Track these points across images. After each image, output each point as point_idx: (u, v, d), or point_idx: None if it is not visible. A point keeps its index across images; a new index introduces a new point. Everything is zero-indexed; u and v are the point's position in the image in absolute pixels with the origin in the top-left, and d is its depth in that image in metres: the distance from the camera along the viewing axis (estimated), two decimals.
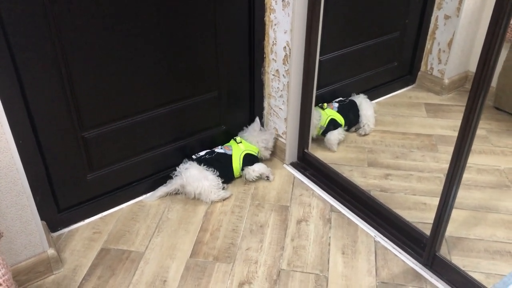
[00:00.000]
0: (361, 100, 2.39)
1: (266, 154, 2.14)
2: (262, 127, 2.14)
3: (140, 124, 1.84)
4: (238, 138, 2.09)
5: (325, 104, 2.31)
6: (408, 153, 2.22)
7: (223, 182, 1.97)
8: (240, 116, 2.15)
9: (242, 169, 2.05)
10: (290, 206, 1.92)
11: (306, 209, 1.91)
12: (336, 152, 2.24)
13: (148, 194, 1.97)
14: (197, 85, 1.94)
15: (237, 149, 2.05)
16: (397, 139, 2.33)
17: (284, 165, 2.15)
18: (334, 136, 2.24)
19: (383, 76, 2.65)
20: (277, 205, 1.93)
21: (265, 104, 2.16)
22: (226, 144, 2.09)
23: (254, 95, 2.14)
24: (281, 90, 2.02)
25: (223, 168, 1.99)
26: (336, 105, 2.34)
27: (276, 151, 2.18)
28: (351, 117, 2.34)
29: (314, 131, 2.20)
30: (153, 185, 1.97)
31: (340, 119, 2.29)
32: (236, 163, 2.03)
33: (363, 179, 2.06)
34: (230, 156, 2.03)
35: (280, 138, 2.14)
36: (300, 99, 2.01)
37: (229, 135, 2.13)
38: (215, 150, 2.04)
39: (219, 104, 2.05)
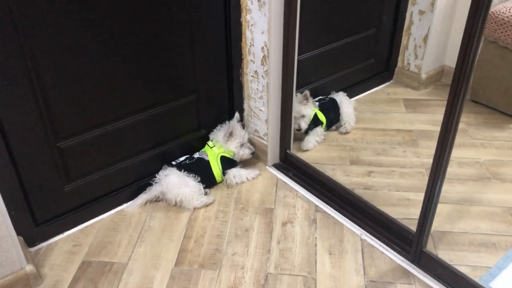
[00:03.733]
0: (341, 98, 2.39)
1: (241, 151, 2.04)
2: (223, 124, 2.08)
3: (117, 132, 1.79)
4: (210, 143, 2.05)
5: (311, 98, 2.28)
6: (390, 150, 2.23)
7: (205, 187, 1.94)
8: (219, 119, 2.12)
9: (224, 173, 2.01)
10: (275, 208, 1.90)
11: (290, 210, 1.89)
12: (318, 151, 2.23)
13: (129, 203, 1.92)
14: (175, 90, 1.90)
15: (212, 154, 2.01)
16: (378, 136, 2.33)
17: (267, 167, 2.13)
18: (314, 138, 2.24)
19: (361, 73, 2.65)
20: (262, 208, 1.90)
21: (245, 106, 2.13)
22: (201, 150, 2.06)
23: (233, 98, 2.11)
24: (261, 91, 1.99)
25: (204, 173, 1.95)
26: (317, 103, 2.32)
27: (258, 153, 2.15)
28: (332, 115, 2.33)
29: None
30: (134, 194, 1.93)
31: (321, 117, 2.29)
32: (216, 168, 1.99)
33: (346, 177, 2.05)
34: (208, 162, 1.99)
35: (261, 140, 2.11)
36: (280, 99, 1.99)
37: (209, 139, 2.09)
38: (194, 156, 2.00)
39: (197, 108, 2.01)
